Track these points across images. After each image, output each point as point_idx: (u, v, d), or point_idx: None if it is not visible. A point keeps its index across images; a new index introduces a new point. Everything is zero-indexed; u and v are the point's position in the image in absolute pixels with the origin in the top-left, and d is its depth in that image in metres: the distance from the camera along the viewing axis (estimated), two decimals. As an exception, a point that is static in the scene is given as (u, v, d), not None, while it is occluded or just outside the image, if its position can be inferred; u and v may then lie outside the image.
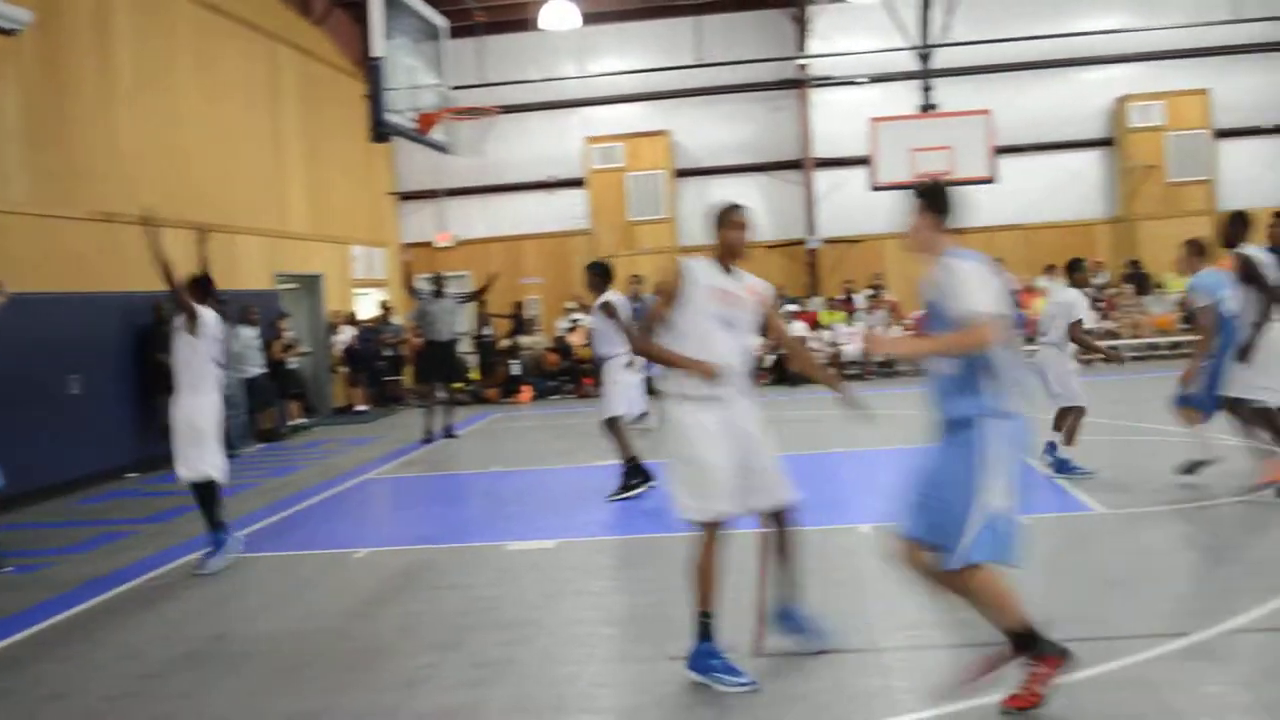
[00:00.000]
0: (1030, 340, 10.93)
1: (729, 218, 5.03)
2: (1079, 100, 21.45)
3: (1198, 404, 8.41)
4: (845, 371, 19.25)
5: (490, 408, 18.93)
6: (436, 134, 15.26)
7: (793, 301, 20.80)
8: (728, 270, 5.03)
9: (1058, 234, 21.32)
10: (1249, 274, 7.84)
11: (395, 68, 13.79)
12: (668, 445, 5.09)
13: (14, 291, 8.88)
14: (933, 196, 4.50)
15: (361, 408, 19.15)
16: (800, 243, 22.11)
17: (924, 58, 19.15)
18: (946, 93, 19.10)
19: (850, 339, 19.38)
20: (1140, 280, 20.47)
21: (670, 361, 4.97)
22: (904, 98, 19.67)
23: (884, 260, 21.13)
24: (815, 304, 21.23)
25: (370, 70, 13.31)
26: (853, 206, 20.96)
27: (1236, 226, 8.09)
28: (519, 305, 21.76)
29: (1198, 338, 8.57)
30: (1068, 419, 9.23)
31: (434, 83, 15.18)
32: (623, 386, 9.53)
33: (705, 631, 4.89)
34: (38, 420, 11.44)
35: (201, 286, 8.05)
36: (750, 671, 4.85)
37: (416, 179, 22.68)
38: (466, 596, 6.74)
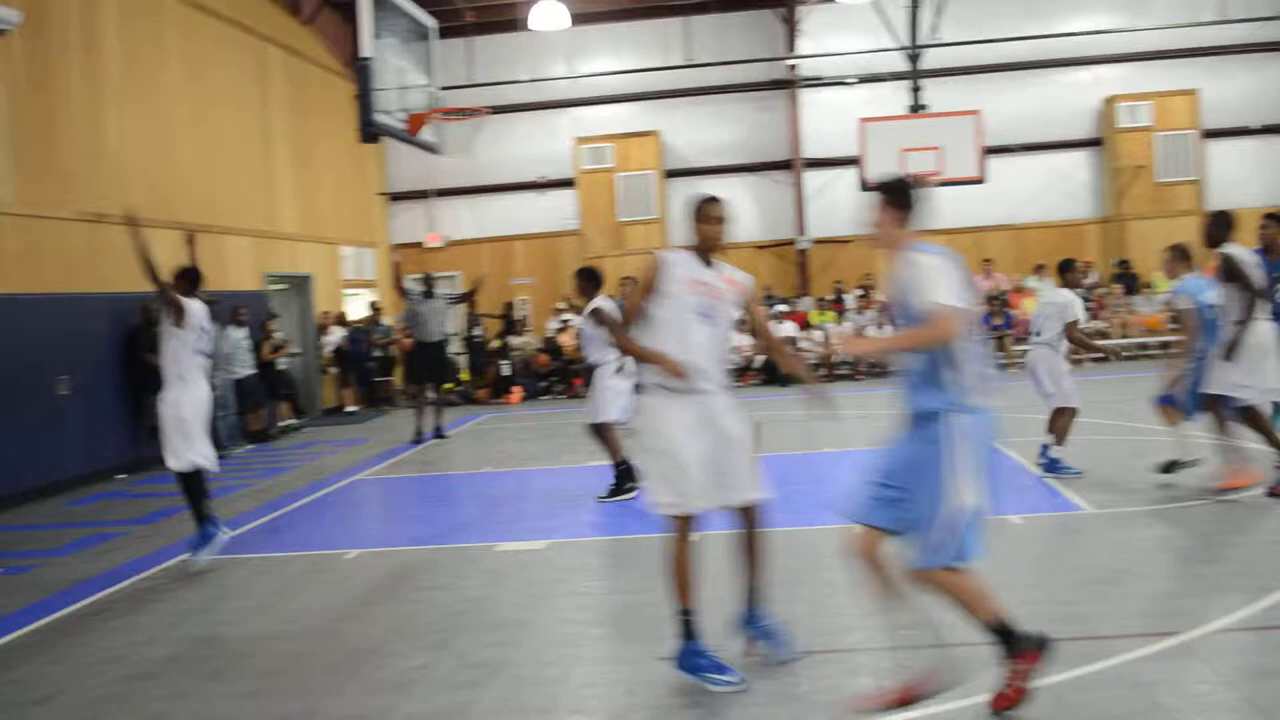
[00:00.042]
0: (1021, 340, 10.96)
1: (705, 211, 5.00)
2: (1068, 101, 21.55)
3: (1179, 403, 8.49)
4: (836, 372, 19.31)
5: (480, 408, 18.90)
6: (426, 134, 15.27)
7: (783, 302, 20.84)
8: (707, 263, 5.02)
9: (1047, 234, 21.41)
10: (1232, 273, 7.89)
11: (384, 68, 13.80)
12: (642, 438, 5.09)
13: (2, 293, 8.85)
14: (894, 192, 4.42)
15: (351, 409, 19.13)
16: (790, 243, 22.16)
17: (913, 58, 19.17)
18: (936, 93, 19.13)
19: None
20: (1129, 280, 20.55)
21: (643, 356, 4.98)
22: (893, 98, 19.69)
23: (874, 260, 21.15)
24: (805, 304, 21.27)
25: (359, 70, 13.32)
26: (842, 207, 20.98)
27: (1220, 226, 8.12)
28: (509, 306, 21.76)
29: (1181, 339, 8.62)
30: (1060, 419, 9.26)
31: (423, 83, 15.19)
32: (613, 393, 9.50)
33: (688, 630, 4.89)
34: (26, 421, 11.40)
35: (189, 278, 8.05)
36: (739, 670, 4.86)
37: (406, 179, 22.67)
38: (457, 597, 6.73)
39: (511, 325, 21.11)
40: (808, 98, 22.03)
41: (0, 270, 11.45)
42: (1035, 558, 7.00)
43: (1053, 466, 9.18)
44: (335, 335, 19.33)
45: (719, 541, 5.42)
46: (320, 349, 19.12)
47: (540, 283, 22.51)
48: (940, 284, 4.14)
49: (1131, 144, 21.12)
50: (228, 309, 14.57)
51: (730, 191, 21.08)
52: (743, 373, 18.40)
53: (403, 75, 14.62)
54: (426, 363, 14.67)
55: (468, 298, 15.54)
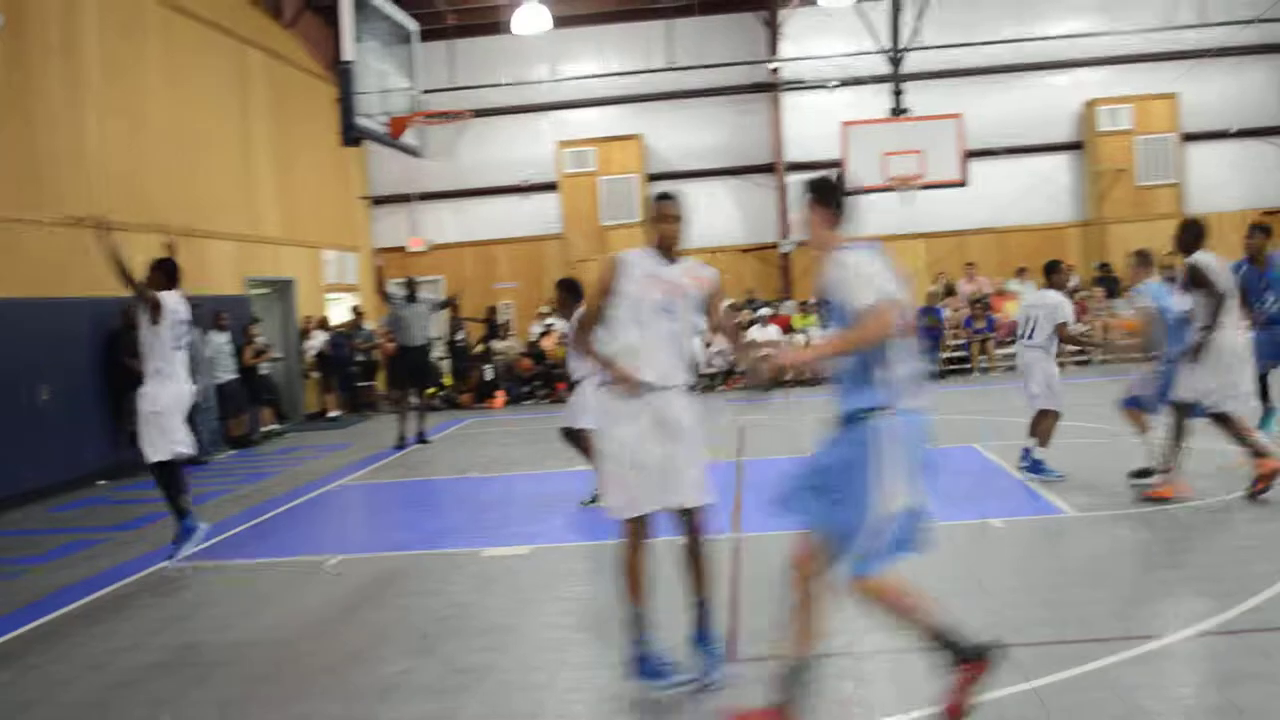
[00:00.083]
0: (1003, 344, 11.01)
1: (660, 209, 4.97)
2: (1049, 104, 21.67)
3: (1145, 406, 8.60)
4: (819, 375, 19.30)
5: (464, 413, 18.87)
6: (408, 138, 15.26)
7: (766, 305, 20.85)
8: (669, 260, 4.99)
9: (1028, 237, 21.52)
10: (1197, 280, 7.98)
11: (366, 71, 13.78)
12: (599, 440, 5.06)
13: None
14: (821, 190, 4.31)
15: (334, 413, 19.04)
16: (773, 246, 22.19)
17: (895, 62, 19.25)
18: (917, 96, 19.21)
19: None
20: (1110, 283, 20.63)
21: (600, 363, 4.98)
22: (875, 101, 19.76)
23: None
24: (788, 308, 21.28)
25: (341, 73, 13.29)
26: (825, 210, 20.98)
27: (1191, 234, 8.21)
28: (492, 310, 21.70)
29: (1134, 340, 8.81)
30: (1044, 422, 9.30)
31: (405, 86, 15.19)
32: (596, 403, 9.43)
33: (639, 634, 4.88)
34: (6, 427, 11.32)
35: (165, 269, 8.02)
36: (687, 671, 4.85)
37: (389, 183, 22.60)
38: (440, 603, 6.71)
39: (494, 329, 21.07)
40: (790, 101, 22.07)
41: (-21, 275, 11.39)
42: (1016, 560, 7.04)
43: (1036, 468, 9.21)
44: (318, 340, 19.24)
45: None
46: (303, 354, 19.03)
47: (523, 286, 22.47)
48: (868, 282, 4.03)
49: (1112, 147, 21.25)
50: (209, 313, 14.51)
51: (713, 194, 21.23)
52: (726, 377, 18.40)
53: (385, 78, 14.60)
54: (409, 367, 14.63)
55: (448, 304, 15.50)
